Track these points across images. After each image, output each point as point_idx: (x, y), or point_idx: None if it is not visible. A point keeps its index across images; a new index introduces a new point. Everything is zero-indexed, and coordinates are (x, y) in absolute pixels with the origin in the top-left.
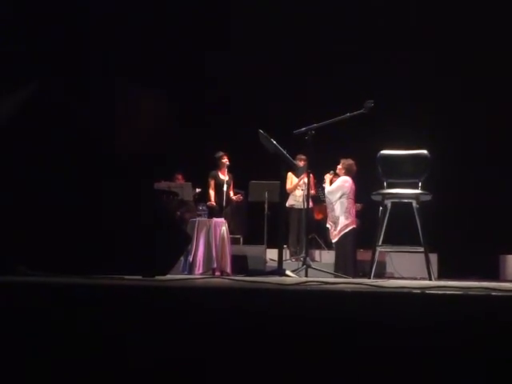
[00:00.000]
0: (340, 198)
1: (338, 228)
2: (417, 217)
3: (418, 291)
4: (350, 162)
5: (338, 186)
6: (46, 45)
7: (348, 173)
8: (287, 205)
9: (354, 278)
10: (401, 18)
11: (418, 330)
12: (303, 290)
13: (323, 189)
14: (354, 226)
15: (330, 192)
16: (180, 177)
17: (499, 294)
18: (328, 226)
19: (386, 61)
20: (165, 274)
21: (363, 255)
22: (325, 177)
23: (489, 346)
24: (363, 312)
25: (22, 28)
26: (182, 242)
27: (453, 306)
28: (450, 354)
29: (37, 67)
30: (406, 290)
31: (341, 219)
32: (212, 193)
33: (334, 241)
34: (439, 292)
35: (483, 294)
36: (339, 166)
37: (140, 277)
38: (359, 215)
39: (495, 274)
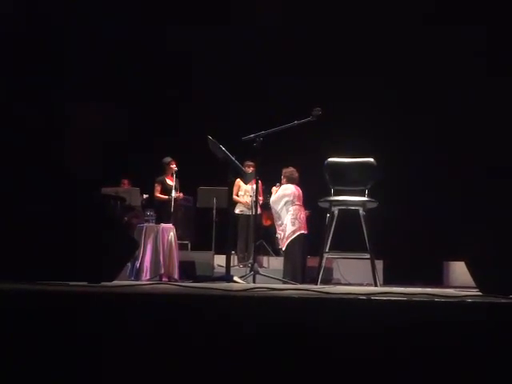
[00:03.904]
0: (284, 205)
1: (286, 235)
2: (363, 224)
3: (364, 297)
4: (290, 169)
5: (280, 195)
6: None
7: (290, 181)
8: (236, 211)
9: (301, 284)
10: (349, 29)
11: (363, 335)
12: (250, 296)
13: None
14: (303, 231)
15: (274, 202)
16: (126, 182)
17: (442, 300)
18: (277, 235)
19: (334, 69)
20: (111, 280)
21: (311, 261)
22: (272, 190)
23: (431, 350)
24: (310, 318)
25: None
26: (129, 248)
27: (398, 311)
28: (394, 358)
29: None
30: (352, 296)
31: (288, 226)
32: (161, 195)
33: (282, 249)
34: (384, 298)
35: (427, 300)
36: (282, 177)
37: (86, 283)
38: (307, 222)
39: (439, 280)
